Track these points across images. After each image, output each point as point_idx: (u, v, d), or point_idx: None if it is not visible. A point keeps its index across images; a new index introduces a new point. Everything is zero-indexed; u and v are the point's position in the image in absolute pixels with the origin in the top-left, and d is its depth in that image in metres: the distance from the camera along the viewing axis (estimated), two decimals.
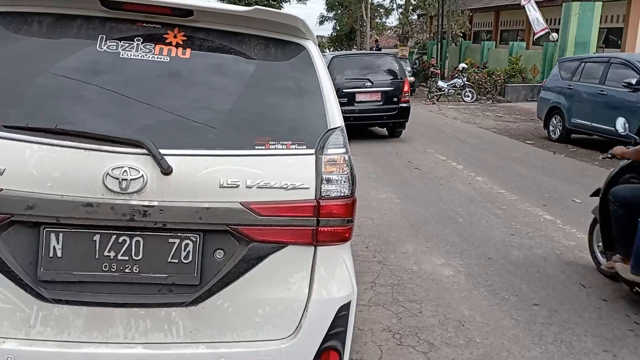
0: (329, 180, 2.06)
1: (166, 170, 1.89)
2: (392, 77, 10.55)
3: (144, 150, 1.89)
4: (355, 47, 37.89)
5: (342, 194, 2.08)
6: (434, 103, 17.82)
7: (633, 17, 18.58)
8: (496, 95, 18.03)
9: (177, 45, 2.08)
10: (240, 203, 1.95)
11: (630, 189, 3.62)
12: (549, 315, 3.50)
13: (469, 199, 6.28)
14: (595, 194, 4.05)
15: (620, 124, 4.10)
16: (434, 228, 5.28)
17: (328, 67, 11.10)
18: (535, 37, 18.40)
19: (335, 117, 2.13)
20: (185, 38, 2.09)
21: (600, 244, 4.06)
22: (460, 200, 6.26)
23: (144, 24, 2.08)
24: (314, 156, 2.04)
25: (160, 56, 2.06)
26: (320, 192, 2.04)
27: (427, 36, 28.54)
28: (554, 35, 17.63)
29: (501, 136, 11.17)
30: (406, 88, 10.50)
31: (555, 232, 5.14)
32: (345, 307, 2.12)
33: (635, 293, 3.54)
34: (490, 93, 18.26)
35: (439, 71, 20.61)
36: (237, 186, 1.95)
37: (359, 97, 10.18)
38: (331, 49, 44.64)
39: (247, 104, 2.07)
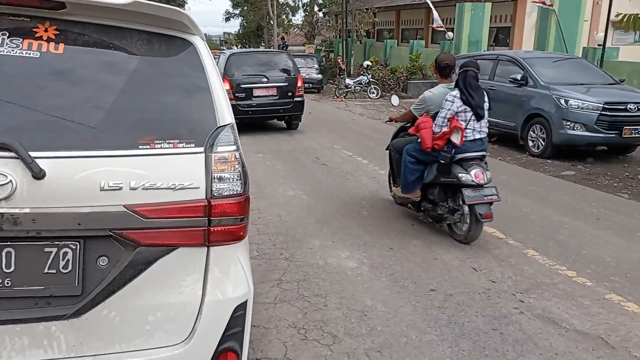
0: (220, 179, 2.02)
1: (38, 175, 1.75)
2: (286, 74, 11.20)
3: (12, 154, 1.75)
4: (263, 44, 37.72)
5: (235, 192, 2.05)
6: (341, 100, 18.18)
7: (519, 17, 20.09)
8: (399, 91, 18.73)
9: (48, 40, 1.94)
10: (124, 206, 1.86)
11: (400, 140, 5.45)
12: (444, 299, 3.69)
13: (374, 192, 6.48)
14: (387, 148, 5.72)
15: (394, 100, 6.62)
16: (340, 222, 5.38)
17: (225, 65, 11.23)
18: (435, 27, 19.32)
19: (224, 114, 2.09)
20: (57, 32, 1.95)
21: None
22: (365, 193, 6.44)
23: (10, 17, 1.93)
24: (204, 154, 1.99)
25: (29, 52, 1.91)
26: (211, 191, 2.00)
27: (333, 34, 29.02)
28: (450, 34, 18.63)
29: None
30: (299, 84, 11.19)
31: None
32: (242, 307, 2.10)
33: (409, 208, 5.50)
34: (394, 89, 18.94)
35: (345, 67, 21.04)
36: (120, 188, 1.86)
37: (256, 92, 10.77)
38: (239, 46, 44.13)
39: (129, 101, 1.98)
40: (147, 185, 1.90)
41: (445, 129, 4.66)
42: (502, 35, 21.33)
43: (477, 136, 4.71)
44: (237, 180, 2.06)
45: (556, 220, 5.43)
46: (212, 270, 2.04)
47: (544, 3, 13.99)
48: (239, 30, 46.65)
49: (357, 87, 18.93)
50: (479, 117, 4.66)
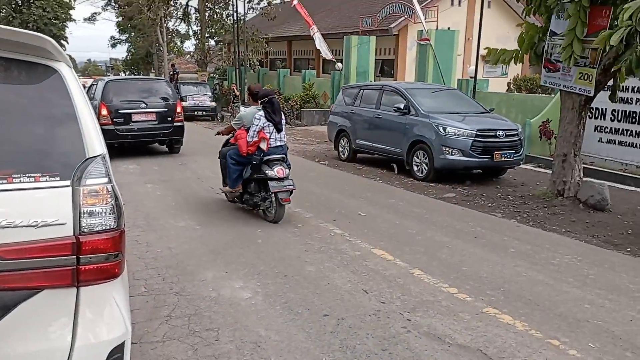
0: (90, 214, 1.90)
1: None
2: (165, 100, 11.74)
3: None
4: (153, 70, 36.62)
5: (107, 227, 1.94)
6: None
7: (401, 50, 21.48)
8: (293, 119, 19.05)
9: None
10: None
11: (225, 149, 6.90)
12: (337, 323, 3.74)
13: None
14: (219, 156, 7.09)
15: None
16: (234, 251, 5.28)
17: (103, 91, 11.28)
18: (327, 58, 20.04)
19: (94, 144, 1.97)
20: None
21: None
22: (261, 221, 6.39)
23: None
24: (70, 188, 1.86)
25: None
26: (80, 227, 1.86)
27: (226, 62, 28.98)
28: (339, 64, 19.40)
29: (299, 158, 11.78)
30: (179, 109, 11.75)
31: (343, 244, 5.56)
32: (119, 349, 1.96)
33: (234, 202, 7.06)
34: (288, 117, 19.23)
35: (239, 94, 21.05)
36: None
37: (135, 117, 11.22)
38: (127, 72, 42.43)
39: None
40: (3, 223, 1.73)
41: (255, 139, 6.27)
42: (387, 67, 22.62)
43: (279, 144, 6.41)
44: (109, 214, 1.95)
45: (439, 240, 5.77)
46: (83, 312, 1.89)
47: (425, 40, 15.10)
48: (126, 57, 44.94)
49: None
50: (279, 130, 6.37)
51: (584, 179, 7.46)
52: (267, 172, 6.18)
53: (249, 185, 6.57)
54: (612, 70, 6.57)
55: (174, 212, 6.80)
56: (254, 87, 6.77)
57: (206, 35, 26.59)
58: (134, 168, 10.15)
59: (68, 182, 1.87)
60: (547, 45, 7.34)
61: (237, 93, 20.63)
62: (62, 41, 46.61)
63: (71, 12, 45.89)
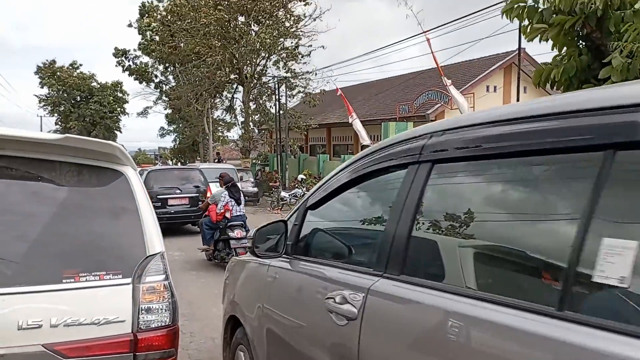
0: (148, 310, 1.97)
1: None
2: (197, 186, 13.45)
3: None
4: (198, 158, 38.23)
5: (163, 324, 2.00)
6: (277, 212, 18.39)
7: None
8: None
9: None
10: (42, 345, 1.76)
11: (202, 219, 9.46)
12: None
13: None
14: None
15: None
16: None
17: (145, 180, 12.43)
18: (364, 143, 20.51)
19: (154, 242, 2.09)
20: None
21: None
22: None
23: None
24: (131, 285, 1.96)
25: None
26: (138, 323, 1.93)
27: (268, 149, 30.06)
28: None
29: None
30: (209, 194, 12.76)
31: None
32: None
33: (210, 258, 9.38)
34: None
35: (277, 183, 21.73)
36: (40, 326, 1.77)
37: (170, 202, 13.00)
38: (174, 160, 44.41)
39: (55, 234, 1.95)
40: (69, 321, 1.82)
41: (222, 211, 8.67)
42: None
43: (239, 213, 8.78)
44: (165, 311, 2.02)
45: None
46: None
47: None
48: (174, 145, 47.25)
49: (292, 200, 19.32)
50: (238, 204, 8.79)
51: None
52: (229, 234, 8.52)
53: (218, 244, 8.93)
54: None
55: (217, 301, 6.82)
56: (223, 174, 9.25)
57: (250, 124, 27.86)
58: (179, 255, 10.36)
59: (129, 280, 1.96)
60: None
61: (276, 184, 21.51)
62: (116, 131, 49.74)
63: (125, 105, 49.45)
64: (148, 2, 36.09)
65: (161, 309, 2.00)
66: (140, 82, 38.27)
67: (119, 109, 49.12)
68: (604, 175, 1.17)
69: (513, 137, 1.43)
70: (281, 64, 26.51)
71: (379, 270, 1.80)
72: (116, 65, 38.50)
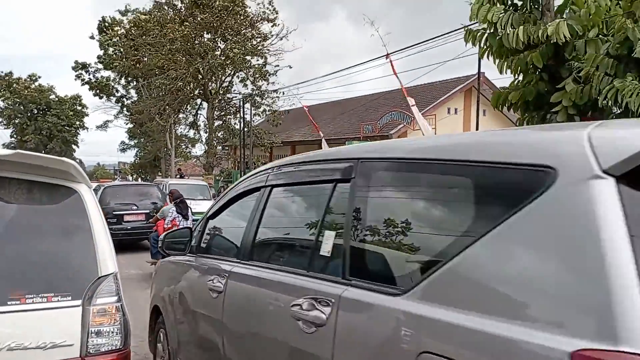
0: (98, 334, 1.90)
1: None
2: (154, 202, 13.31)
3: None
4: (160, 174, 37.58)
5: (113, 348, 1.93)
6: None
7: None
8: None
9: None
10: None
11: (152, 234, 9.67)
12: None
13: None
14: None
15: None
16: None
17: (101, 196, 12.54)
18: None
19: (107, 262, 2.03)
20: None
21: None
22: None
23: None
24: (81, 307, 1.89)
25: None
26: (87, 347, 1.86)
27: (232, 165, 29.81)
28: None
29: None
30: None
31: None
32: None
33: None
34: None
35: None
36: None
37: (126, 218, 12.82)
38: (134, 176, 43.51)
39: (2, 254, 1.86)
40: (13, 345, 1.73)
41: (169, 225, 8.68)
42: None
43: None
44: (117, 334, 1.95)
45: None
46: None
47: None
48: (134, 160, 46.33)
49: None
50: (186, 219, 8.86)
51: None
52: None
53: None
54: None
55: None
56: (173, 191, 9.63)
57: (214, 140, 27.62)
58: (136, 272, 10.08)
59: (79, 302, 1.89)
60: None
61: None
62: (73, 145, 48.44)
63: (84, 119, 48.30)
64: (110, 17, 35.62)
65: (112, 332, 1.93)
66: (101, 97, 37.53)
67: (77, 123, 47.93)
68: (333, 195, 2.19)
69: (302, 172, 2.60)
70: (249, 82, 26.54)
71: (238, 259, 2.79)
72: (75, 79, 37.74)
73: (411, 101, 15.96)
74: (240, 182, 3.22)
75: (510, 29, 6.61)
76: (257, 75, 26.18)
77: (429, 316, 1.48)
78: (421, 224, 1.80)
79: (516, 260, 1.37)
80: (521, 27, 6.54)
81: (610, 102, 5.79)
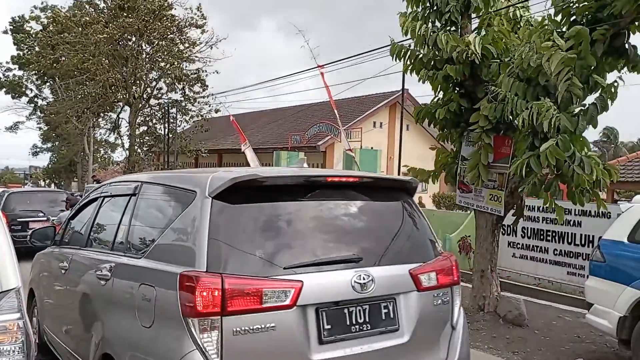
0: None
1: None
2: (62, 210, 12.76)
3: None
4: (76, 179, 35.65)
5: None
6: None
7: (328, 165, 22.51)
8: None
9: None
10: None
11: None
12: None
13: None
14: None
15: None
16: None
17: (4, 202, 12.55)
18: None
19: (9, 276, 1.89)
20: None
21: None
22: None
23: None
24: None
25: None
26: None
27: (154, 170, 28.90)
28: None
29: None
30: None
31: None
32: None
33: None
34: None
35: None
36: None
37: (32, 225, 11.87)
38: (47, 182, 40.95)
39: None
40: None
41: None
42: None
43: None
44: (18, 352, 1.82)
45: None
46: None
47: (350, 151, 16.06)
48: (48, 165, 43.66)
49: None
50: None
51: (502, 293, 7.80)
52: None
53: None
54: (518, 191, 7.23)
55: None
56: (70, 198, 9.40)
57: (135, 146, 26.62)
58: None
59: None
60: (459, 169, 8.00)
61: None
62: None
63: None
64: (19, 17, 33.52)
65: (13, 351, 1.80)
66: (13, 97, 35.12)
67: None
68: (128, 203, 3.59)
69: (115, 188, 4.07)
70: (179, 87, 25.88)
71: (79, 246, 4.22)
72: None
73: (338, 114, 16.27)
74: (88, 194, 4.66)
75: (439, 39, 6.92)
76: (191, 83, 25.63)
77: (151, 267, 2.93)
78: (152, 219, 3.35)
79: (178, 234, 2.91)
80: (452, 35, 6.88)
81: (525, 122, 6.21)
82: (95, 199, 4.31)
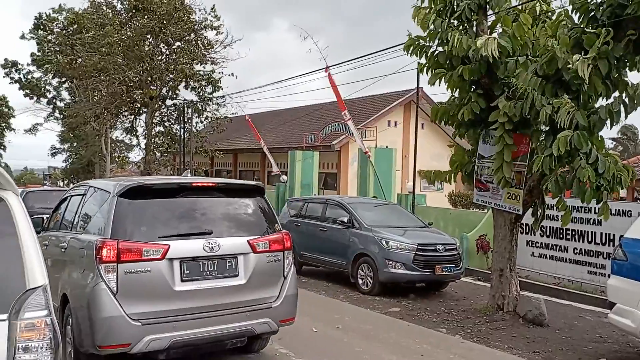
0: (25, 349, 1.79)
1: None
2: None
3: None
4: (94, 179, 36.00)
5: None
6: None
7: (343, 165, 22.46)
8: None
9: None
10: None
11: None
12: None
13: None
14: None
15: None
16: None
17: (23, 200, 13.56)
18: (272, 174, 20.48)
19: (36, 274, 1.92)
20: None
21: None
22: None
23: None
24: (7, 322, 1.77)
25: None
26: None
27: (171, 172, 29.06)
28: (284, 177, 19.90)
29: None
30: None
31: None
32: None
33: None
34: None
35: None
36: None
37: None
38: (65, 182, 41.49)
39: None
40: None
41: None
42: (330, 180, 23.42)
43: None
44: (46, 349, 1.85)
45: (386, 359, 5.67)
46: None
47: (366, 152, 15.96)
48: (66, 165, 44.20)
49: None
50: None
51: (522, 293, 7.72)
52: None
53: None
54: (536, 191, 7.14)
55: None
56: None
57: (152, 147, 26.84)
58: None
59: (5, 316, 1.78)
60: (476, 167, 7.93)
61: None
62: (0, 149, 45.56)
63: (11, 121, 45.61)
64: (46, 13, 34.02)
65: (41, 348, 1.82)
66: (31, 98, 35.62)
67: (3, 124, 45.15)
68: (82, 199, 5.41)
69: (77, 189, 6.08)
70: (194, 87, 26.02)
71: (57, 229, 5.76)
72: (4, 76, 35.68)
73: (346, 116, 16.12)
74: (65, 193, 6.36)
75: (451, 38, 6.84)
76: (202, 83, 25.74)
77: (83, 238, 4.76)
78: (89, 209, 5.06)
79: (98, 217, 4.74)
80: (463, 36, 6.79)
81: (544, 118, 6.16)
82: (66, 197, 6.05)
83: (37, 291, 1.89)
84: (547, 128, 6.78)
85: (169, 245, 4.39)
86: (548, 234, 10.19)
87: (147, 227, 4.48)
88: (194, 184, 5.08)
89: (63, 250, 5.06)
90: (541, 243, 10.30)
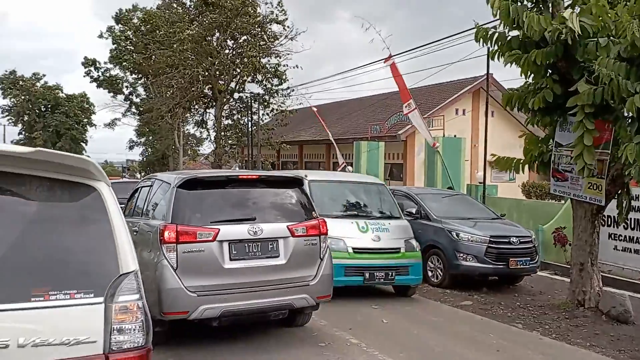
0: (120, 331, 1.90)
1: None
2: None
3: None
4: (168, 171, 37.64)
5: (135, 345, 1.93)
6: None
7: (409, 155, 22.11)
8: None
9: None
10: None
11: None
12: None
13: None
14: None
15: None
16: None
17: None
18: (339, 169, 20.53)
19: (128, 260, 2.03)
20: None
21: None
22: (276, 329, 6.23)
23: None
24: (103, 305, 1.89)
25: None
26: (110, 344, 1.86)
27: (240, 164, 29.84)
28: (349, 168, 19.90)
29: None
30: None
31: (361, 356, 5.36)
32: None
33: None
34: None
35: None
36: (7, 346, 1.68)
37: None
38: (142, 173, 43.66)
39: (24, 250, 1.87)
40: (37, 341, 1.74)
41: None
42: (396, 170, 23.15)
43: None
44: (138, 331, 1.95)
45: (460, 353, 5.55)
46: None
47: (434, 145, 15.57)
48: (142, 158, 46.44)
49: None
50: None
51: (604, 288, 7.31)
52: None
53: None
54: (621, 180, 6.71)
55: None
56: None
57: (221, 140, 27.64)
58: None
59: (101, 299, 1.89)
60: (553, 156, 7.55)
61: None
62: (82, 143, 48.63)
63: (92, 116, 48.51)
64: (125, 10, 35.81)
65: (134, 330, 1.93)
66: (110, 92, 37.76)
67: (85, 120, 48.08)
68: (150, 191, 6.19)
69: (146, 181, 6.75)
70: (260, 80, 26.49)
71: (142, 217, 5.91)
72: (84, 75, 37.96)
73: (411, 105, 15.50)
74: (136, 184, 6.95)
75: (526, 19, 6.50)
76: (269, 76, 26.12)
77: (151, 223, 5.49)
78: (156, 199, 5.77)
79: (162, 206, 5.46)
80: (540, 16, 6.44)
81: (632, 108, 5.76)
82: (138, 188, 6.64)
83: (130, 276, 2.00)
84: (632, 114, 6.33)
85: (219, 229, 4.97)
86: (633, 226, 9.55)
87: (200, 214, 5.10)
88: (240, 177, 5.65)
89: (135, 233, 5.56)
90: (625, 236, 9.68)
